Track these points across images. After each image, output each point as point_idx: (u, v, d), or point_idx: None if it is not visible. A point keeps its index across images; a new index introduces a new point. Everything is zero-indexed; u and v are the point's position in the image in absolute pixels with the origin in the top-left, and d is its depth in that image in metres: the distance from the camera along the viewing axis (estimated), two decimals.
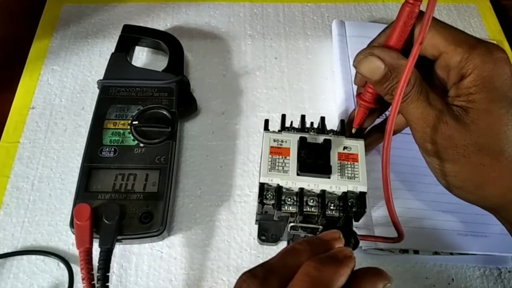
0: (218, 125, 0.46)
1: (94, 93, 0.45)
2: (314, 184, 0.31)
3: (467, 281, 0.38)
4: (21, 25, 0.54)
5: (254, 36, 0.52)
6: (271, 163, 0.32)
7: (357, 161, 0.32)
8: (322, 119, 0.36)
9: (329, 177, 0.31)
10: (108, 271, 0.33)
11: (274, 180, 0.31)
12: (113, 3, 0.55)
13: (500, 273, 0.38)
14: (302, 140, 0.32)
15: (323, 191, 0.31)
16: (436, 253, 0.38)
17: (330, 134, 0.34)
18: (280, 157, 0.32)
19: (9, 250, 0.38)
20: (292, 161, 0.32)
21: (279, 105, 0.47)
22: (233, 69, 0.50)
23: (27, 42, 0.51)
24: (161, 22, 0.53)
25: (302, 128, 0.35)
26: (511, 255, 0.38)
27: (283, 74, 0.49)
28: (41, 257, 0.38)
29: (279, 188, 0.31)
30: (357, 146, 0.33)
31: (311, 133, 0.34)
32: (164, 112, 0.41)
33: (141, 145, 0.39)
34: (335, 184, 0.31)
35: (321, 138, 0.33)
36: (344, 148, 0.33)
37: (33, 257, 0.38)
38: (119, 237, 0.35)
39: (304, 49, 0.51)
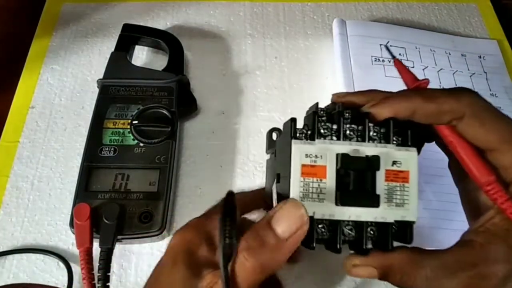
0: (218, 125, 0.46)
1: (94, 92, 0.44)
2: (356, 216, 0.25)
3: None
4: (20, 24, 0.54)
5: (254, 35, 0.52)
6: (304, 189, 0.24)
7: (407, 181, 0.25)
8: (364, 116, 0.26)
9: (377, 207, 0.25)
10: (109, 271, 0.33)
11: (308, 211, 0.24)
12: (113, 2, 0.54)
13: None
14: (344, 159, 0.24)
15: (365, 223, 0.26)
16: None
17: (375, 140, 0.26)
18: (315, 179, 0.25)
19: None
20: (330, 184, 0.25)
21: (279, 104, 0.47)
22: (233, 69, 0.49)
23: (27, 41, 0.51)
24: (161, 21, 0.53)
25: (338, 127, 0.26)
26: None
27: (283, 73, 0.49)
28: (41, 257, 0.38)
29: (312, 221, 0.25)
30: (408, 160, 0.25)
31: (351, 136, 0.26)
32: (164, 112, 0.41)
33: (141, 144, 0.39)
34: (380, 215, 0.25)
35: (365, 149, 0.25)
36: (393, 163, 0.25)
37: (33, 256, 0.38)
38: (119, 237, 0.35)
39: (304, 48, 0.51)
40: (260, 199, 0.32)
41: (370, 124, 0.26)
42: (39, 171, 0.42)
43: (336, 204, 0.24)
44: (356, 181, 0.25)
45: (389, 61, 0.48)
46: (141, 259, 0.38)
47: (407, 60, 0.49)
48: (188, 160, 0.43)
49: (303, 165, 0.24)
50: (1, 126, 0.45)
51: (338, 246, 0.25)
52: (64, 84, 0.48)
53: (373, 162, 0.24)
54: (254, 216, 0.31)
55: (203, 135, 0.45)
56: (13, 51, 0.51)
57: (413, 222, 0.25)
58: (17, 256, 0.38)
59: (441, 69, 0.49)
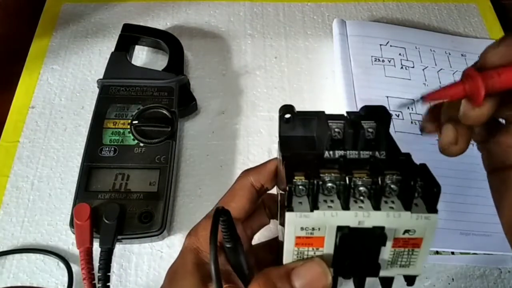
0: (218, 124, 0.46)
1: (94, 92, 0.45)
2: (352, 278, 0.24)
3: (467, 281, 0.38)
4: (20, 24, 0.54)
5: (254, 35, 0.52)
6: (298, 256, 0.23)
7: (418, 247, 0.22)
8: (377, 172, 0.22)
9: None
10: (109, 271, 0.33)
11: None
12: (113, 2, 0.54)
13: (500, 273, 0.38)
14: (343, 240, 0.22)
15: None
16: (437, 252, 0.38)
17: (389, 199, 0.22)
18: (310, 248, 0.23)
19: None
20: (327, 252, 0.23)
21: (279, 104, 0.46)
22: (233, 69, 0.49)
23: (27, 41, 0.51)
24: (161, 21, 0.53)
25: (345, 194, 0.22)
26: (511, 255, 0.38)
27: (283, 73, 0.49)
28: (41, 257, 0.38)
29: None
30: (424, 227, 0.22)
31: (359, 201, 0.22)
32: (164, 112, 0.41)
33: (141, 144, 0.39)
34: (381, 275, 0.23)
35: (373, 219, 0.21)
36: (406, 231, 0.22)
37: (33, 256, 0.38)
38: (119, 237, 0.35)
39: (304, 48, 0.51)
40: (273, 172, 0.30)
41: (388, 181, 0.22)
42: (39, 171, 0.42)
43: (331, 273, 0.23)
44: (355, 257, 0.22)
45: (389, 61, 0.49)
46: (141, 259, 0.38)
47: (407, 60, 0.49)
48: (188, 160, 0.43)
49: (298, 237, 0.22)
50: (1, 126, 0.45)
51: None
52: (64, 84, 0.48)
53: (379, 239, 0.21)
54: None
55: (203, 135, 0.45)
56: (13, 51, 0.51)
57: (417, 275, 0.24)
58: (17, 256, 0.38)
59: (441, 69, 0.49)
